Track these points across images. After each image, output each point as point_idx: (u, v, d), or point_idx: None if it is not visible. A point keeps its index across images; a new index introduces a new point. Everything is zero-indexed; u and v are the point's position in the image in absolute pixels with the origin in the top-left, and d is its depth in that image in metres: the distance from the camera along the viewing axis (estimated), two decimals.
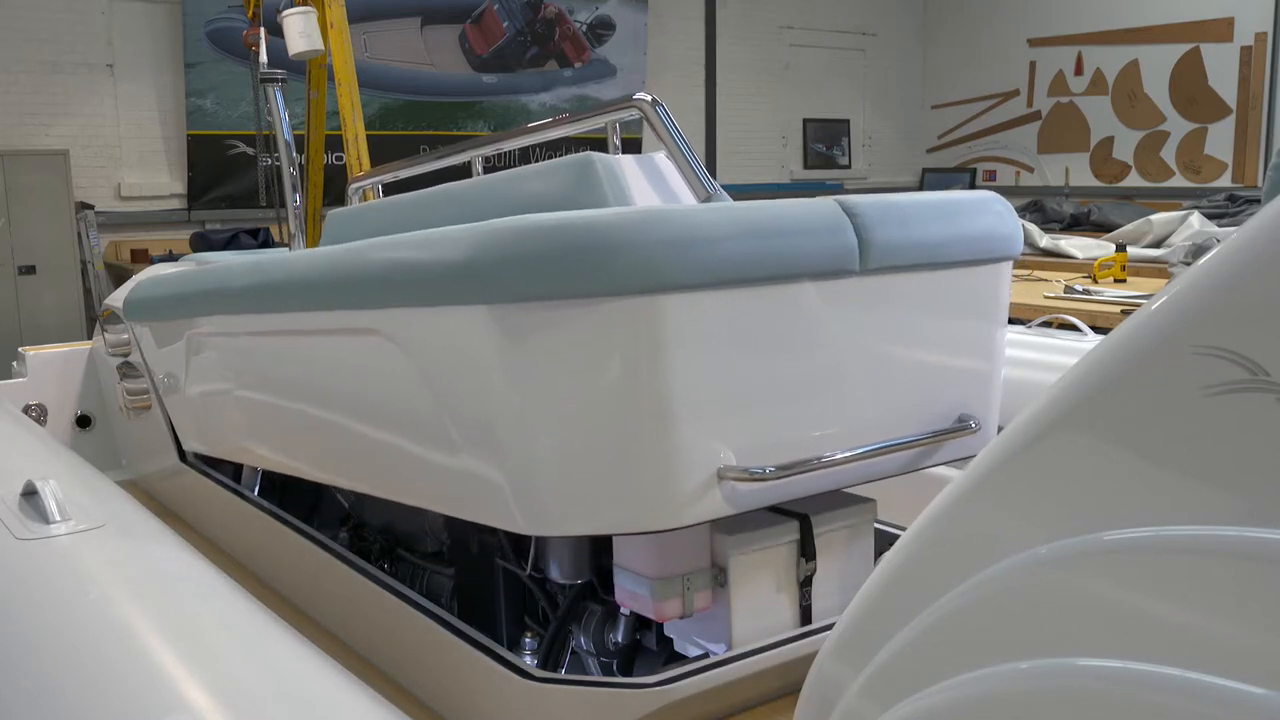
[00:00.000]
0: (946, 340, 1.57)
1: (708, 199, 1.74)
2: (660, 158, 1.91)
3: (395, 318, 1.55)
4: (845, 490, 1.73)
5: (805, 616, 1.61)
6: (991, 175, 11.42)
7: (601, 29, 9.76)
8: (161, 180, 8.26)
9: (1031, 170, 11.41)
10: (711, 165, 10.25)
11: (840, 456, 1.45)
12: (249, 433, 2.15)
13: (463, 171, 2.38)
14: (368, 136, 4.55)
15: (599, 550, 1.74)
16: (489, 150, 2.54)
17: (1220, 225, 6.47)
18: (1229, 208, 7.42)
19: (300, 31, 4.26)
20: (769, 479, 1.36)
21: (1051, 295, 5.00)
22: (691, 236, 1.29)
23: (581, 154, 1.72)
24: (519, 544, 1.91)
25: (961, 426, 1.59)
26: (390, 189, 2.77)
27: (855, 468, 1.50)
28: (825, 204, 1.44)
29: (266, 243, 7.40)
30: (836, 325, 1.44)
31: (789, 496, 1.45)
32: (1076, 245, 6.49)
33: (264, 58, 4.62)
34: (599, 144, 3.84)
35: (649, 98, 2.00)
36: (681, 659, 1.64)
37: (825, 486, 1.50)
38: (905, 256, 1.48)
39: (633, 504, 1.33)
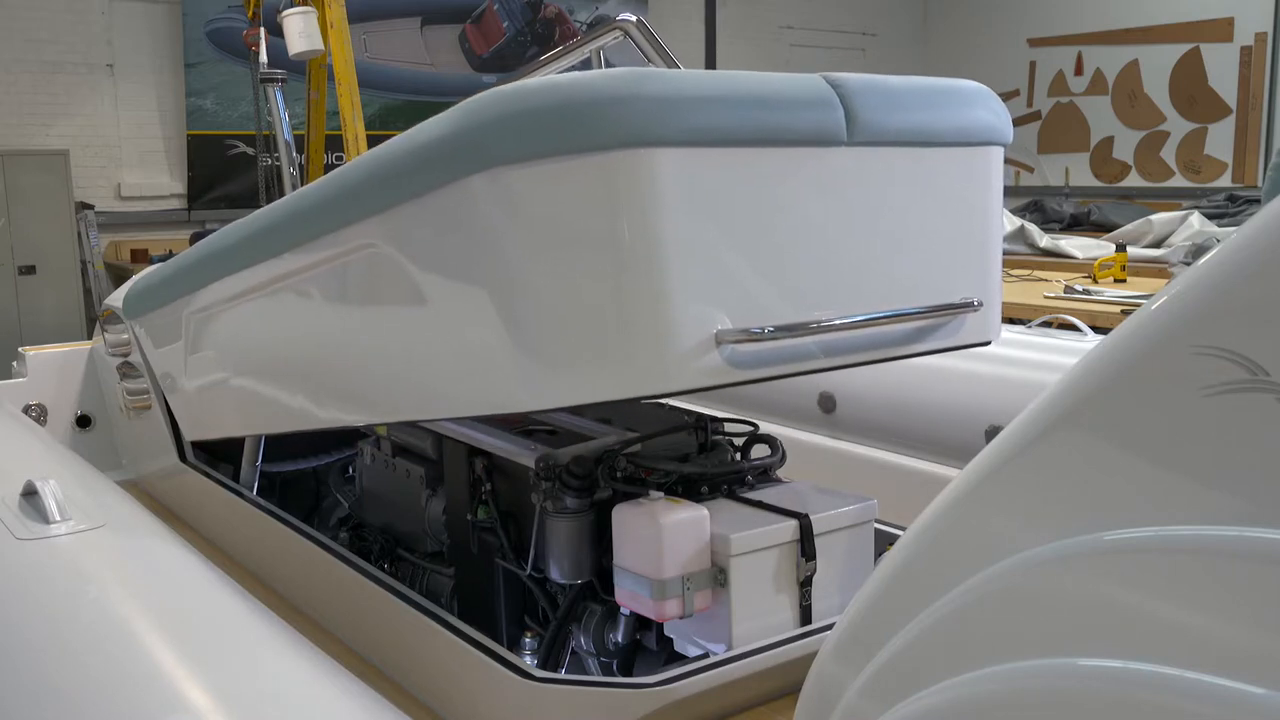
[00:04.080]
0: (942, 218, 1.56)
1: None
2: None
3: (390, 221, 1.54)
4: (845, 492, 1.73)
5: (805, 616, 1.61)
6: None
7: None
8: (161, 180, 8.26)
9: (1031, 170, 11.41)
10: None
11: (840, 322, 1.44)
12: (256, 397, 2.13)
13: None
14: (368, 136, 4.55)
15: (599, 550, 1.74)
16: None
17: (1220, 225, 6.48)
18: (1229, 208, 7.43)
19: (300, 31, 4.27)
20: (767, 339, 1.36)
21: (1051, 295, 5.00)
22: (678, 94, 1.29)
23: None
24: (519, 544, 1.91)
25: (964, 303, 1.57)
26: None
27: (857, 338, 1.48)
28: (811, 77, 1.45)
29: None
30: (829, 194, 1.43)
31: (792, 366, 1.43)
32: (1076, 245, 6.50)
33: (264, 58, 4.63)
34: None
35: (634, 18, 1.98)
36: (681, 659, 1.64)
37: (828, 358, 1.47)
38: (894, 131, 1.47)
39: (632, 367, 1.32)
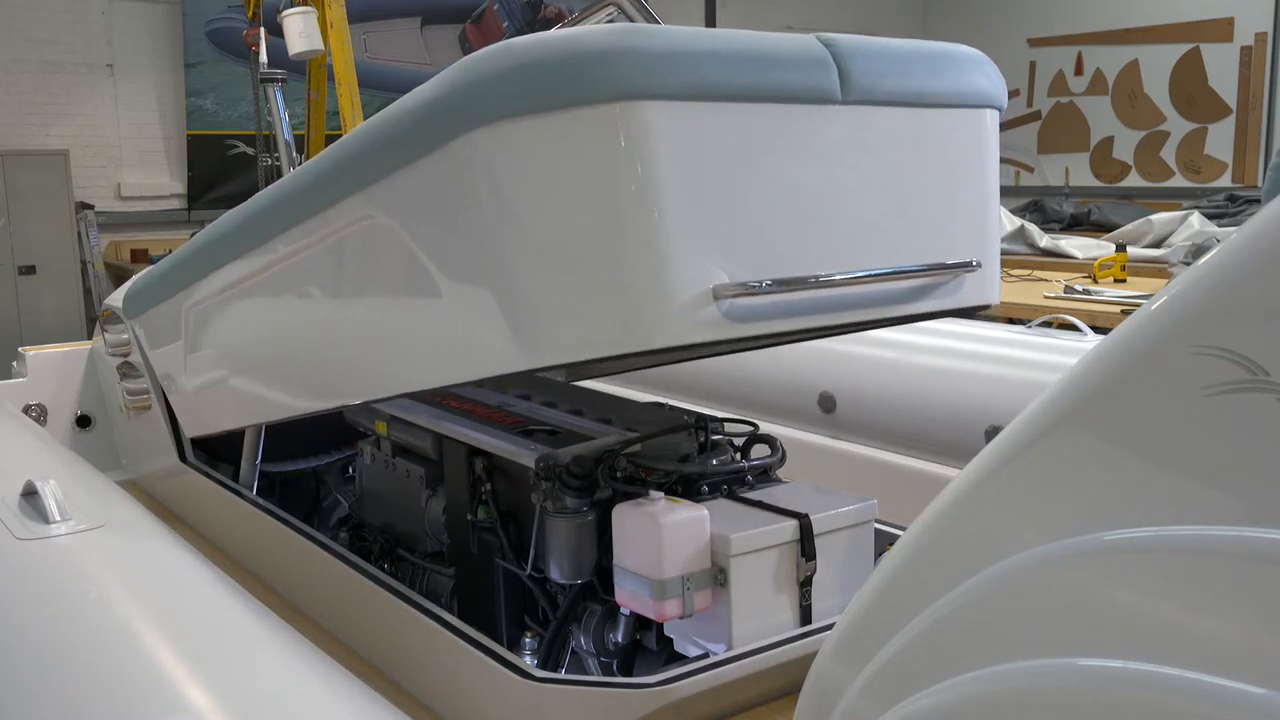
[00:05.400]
0: (938, 179, 1.56)
1: None
2: None
3: (385, 190, 1.54)
4: (845, 492, 1.74)
5: (805, 616, 1.61)
6: None
7: None
8: (161, 180, 8.26)
9: (1031, 170, 11.41)
10: None
11: (840, 278, 1.43)
12: (258, 386, 2.13)
13: None
14: None
15: (599, 550, 1.74)
16: None
17: (1220, 225, 6.48)
18: (1229, 208, 7.43)
19: (300, 31, 4.27)
20: (764, 293, 1.36)
21: (1051, 295, 5.00)
22: (672, 48, 1.30)
23: None
24: (519, 544, 1.91)
25: (963, 263, 1.57)
26: None
27: (855, 295, 1.48)
28: (805, 37, 1.45)
29: None
30: (824, 152, 1.43)
31: (791, 322, 1.43)
32: (1076, 245, 6.49)
33: (264, 58, 4.63)
34: None
35: None
36: (681, 659, 1.64)
37: (826, 314, 1.47)
38: (888, 92, 1.47)
39: (630, 321, 1.32)
